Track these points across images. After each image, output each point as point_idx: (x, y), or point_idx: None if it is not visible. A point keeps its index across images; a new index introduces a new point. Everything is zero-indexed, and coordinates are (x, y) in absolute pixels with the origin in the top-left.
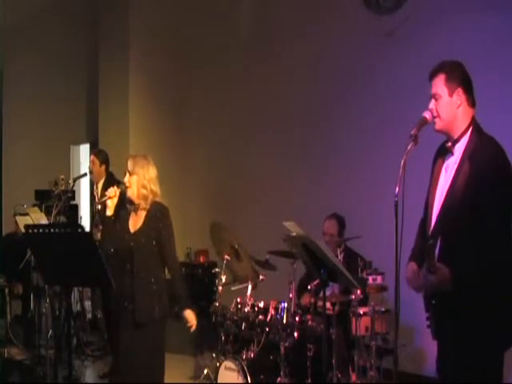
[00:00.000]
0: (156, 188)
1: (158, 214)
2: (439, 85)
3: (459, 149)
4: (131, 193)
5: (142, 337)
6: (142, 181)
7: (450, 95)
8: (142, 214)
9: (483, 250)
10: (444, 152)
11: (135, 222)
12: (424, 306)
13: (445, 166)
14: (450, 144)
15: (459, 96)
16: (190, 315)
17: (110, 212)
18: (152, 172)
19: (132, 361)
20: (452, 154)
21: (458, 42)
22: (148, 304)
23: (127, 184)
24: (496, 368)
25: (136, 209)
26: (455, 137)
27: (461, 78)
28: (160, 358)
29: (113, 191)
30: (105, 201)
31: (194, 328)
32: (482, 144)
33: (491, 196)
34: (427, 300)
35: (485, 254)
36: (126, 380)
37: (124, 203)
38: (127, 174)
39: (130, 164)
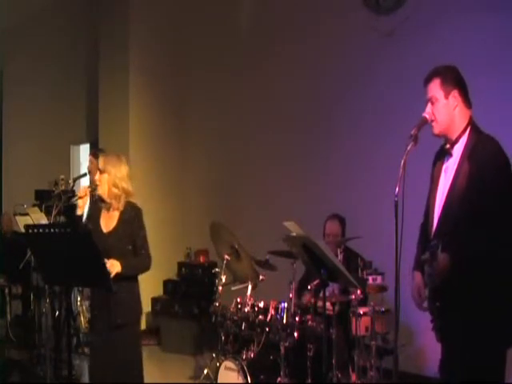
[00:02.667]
0: (128, 186)
1: (132, 215)
2: (435, 89)
3: (458, 149)
4: (102, 191)
5: (117, 339)
6: (114, 179)
7: (446, 97)
8: (116, 215)
9: (487, 248)
10: (443, 154)
11: (108, 222)
12: (428, 308)
13: (444, 167)
14: (448, 146)
15: (455, 98)
16: (111, 263)
17: (80, 211)
18: (124, 170)
19: (107, 364)
20: (451, 155)
21: (458, 42)
22: (122, 306)
23: (97, 182)
24: (498, 366)
25: (108, 208)
26: (453, 138)
27: (456, 81)
28: (137, 361)
29: (83, 191)
30: (75, 201)
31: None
32: (481, 143)
33: (493, 195)
34: (431, 302)
35: (488, 252)
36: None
37: (95, 203)
38: (98, 173)
39: (101, 162)
